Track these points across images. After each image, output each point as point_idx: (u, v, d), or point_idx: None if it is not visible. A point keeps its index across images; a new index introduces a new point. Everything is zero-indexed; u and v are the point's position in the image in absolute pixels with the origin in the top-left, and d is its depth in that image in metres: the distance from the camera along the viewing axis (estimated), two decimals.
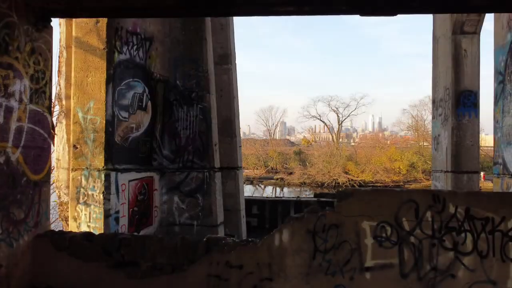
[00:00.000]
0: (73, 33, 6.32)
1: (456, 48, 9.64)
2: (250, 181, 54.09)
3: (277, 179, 53.24)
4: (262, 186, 52.04)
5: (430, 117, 54.91)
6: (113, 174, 6.36)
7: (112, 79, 6.31)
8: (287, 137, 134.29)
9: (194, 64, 8.24)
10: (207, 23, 8.41)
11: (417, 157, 48.06)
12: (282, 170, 56.61)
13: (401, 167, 47.43)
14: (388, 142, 60.32)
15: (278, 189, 50.14)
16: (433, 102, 11.18)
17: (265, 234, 4.78)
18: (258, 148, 60.74)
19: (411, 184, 46.81)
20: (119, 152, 6.61)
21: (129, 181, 6.95)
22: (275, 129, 73.50)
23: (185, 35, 8.25)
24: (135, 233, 6.53)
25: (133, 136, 7.10)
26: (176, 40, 8.28)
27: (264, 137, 72.62)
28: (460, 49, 9.60)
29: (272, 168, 57.47)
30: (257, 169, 57.60)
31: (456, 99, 9.58)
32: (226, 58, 9.72)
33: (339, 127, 62.60)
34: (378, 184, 46.25)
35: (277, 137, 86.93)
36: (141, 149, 7.44)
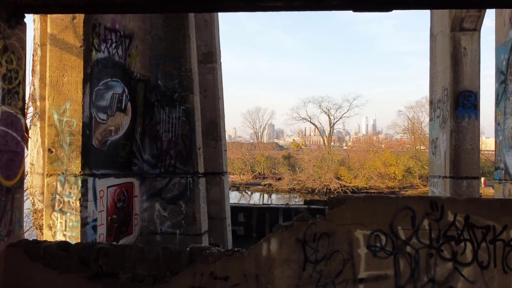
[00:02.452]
0: (48, 30, 6.34)
1: (455, 46, 9.63)
2: (236, 187, 54.12)
3: (264, 185, 53.33)
4: (249, 193, 52.07)
5: (427, 119, 55.59)
6: (90, 179, 6.37)
7: (89, 79, 6.33)
8: (276, 140, 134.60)
9: (176, 62, 8.28)
10: (190, 19, 8.45)
11: (413, 161, 48.51)
12: (270, 176, 56.67)
13: (396, 172, 47.85)
14: (383, 145, 60.73)
15: (266, 196, 50.19)
16: (431, 103, 11.19)
17: (252, 244, 4.81)
18: (245, 152, 60.70)
19: (407, 190, 47.18)
20: (97, 157, 6.63)
21: (108, 187, 6.97)
22: (262, 132, 73.49)
23: (167, 32, 8.30)
24: (114, 243, 6.54)
25: (112, 140, 7.12)
26: (158, 37, 8.32)
27: (251, 141, 72.56)
28: (459, 47, 9.58)
29: (259, 174, 57.51)
30: (243, 174, 57.58)
31: (455, 100, 9.56)
32: (210, 57, 9.79)
33: (330, 130, 62.78)
34: (372, 191, 46.57)
35: (265, 141, 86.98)
36: (120, 153, 7.46)
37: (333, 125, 63.37)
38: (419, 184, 47.62)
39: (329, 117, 61.61)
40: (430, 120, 11.41)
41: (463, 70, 9.57)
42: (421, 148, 52.39)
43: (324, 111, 61.37)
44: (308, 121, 62.99)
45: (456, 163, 9.52)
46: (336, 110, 61.12)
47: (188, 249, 4.86)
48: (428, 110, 11.57)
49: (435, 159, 10.62)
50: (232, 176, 56.72)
